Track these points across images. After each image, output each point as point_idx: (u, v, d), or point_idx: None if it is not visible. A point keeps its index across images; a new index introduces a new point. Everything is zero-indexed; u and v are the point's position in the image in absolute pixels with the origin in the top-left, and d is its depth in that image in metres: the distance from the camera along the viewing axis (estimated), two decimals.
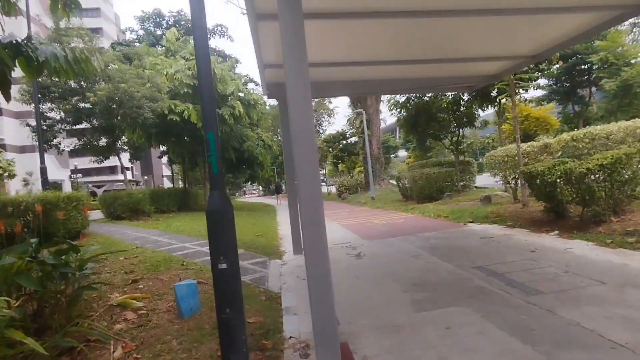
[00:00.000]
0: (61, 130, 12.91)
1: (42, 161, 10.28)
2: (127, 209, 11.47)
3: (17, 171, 28.08)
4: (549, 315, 3.26)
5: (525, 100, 14.31)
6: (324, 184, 51.28)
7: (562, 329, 2.99)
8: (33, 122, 12.18)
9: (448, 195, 13.68)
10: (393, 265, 5.50)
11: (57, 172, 42.07)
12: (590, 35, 5.53)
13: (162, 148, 20.07)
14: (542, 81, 30.80)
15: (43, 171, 10.17)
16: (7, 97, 3.92)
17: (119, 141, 14.84)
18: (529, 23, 5.36)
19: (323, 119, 50.75)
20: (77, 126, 13.12)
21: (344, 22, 4.81)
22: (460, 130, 16.48)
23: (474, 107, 14.21)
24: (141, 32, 24.27)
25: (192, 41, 18.17)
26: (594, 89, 30.23)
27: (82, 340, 3.22)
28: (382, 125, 35.11)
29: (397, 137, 49.00)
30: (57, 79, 12.09)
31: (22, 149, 38.83)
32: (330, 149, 32.04)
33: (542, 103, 31.19)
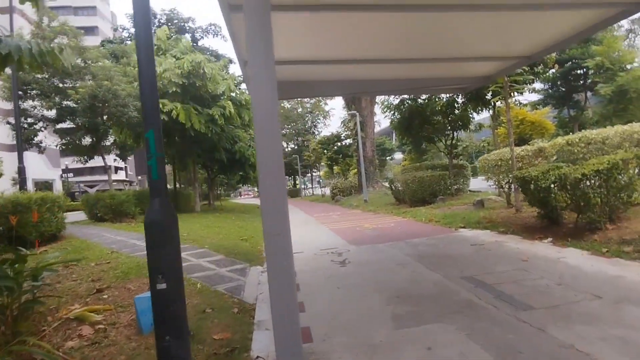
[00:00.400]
0: (42, 129, 12.54)
1: (20, 160, 9.91)
2: (109, 210, 11.10)
3: (6, 170, 27.60)
4: (539, 335, 2.97)
5: (520, 103, 14.08)
6: (317, 186, 51.03)
7: (554, 352, 2.71)
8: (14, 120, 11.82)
9: (441, 199, 13.42)
10: (378, 275, 5.21)
11: (48, 171, 41.43)
12: (586, 35, 5.29)
13: None
14: (538, 85, 30.76)
15: (21, 171, 9.81)
16: None
17: (105, 141, 14.45)
18: (524, 21, 5.11)
19: (319, 121, 50.61)
20: (60, 125, 12.75)
21: (329, 15, 4.53)
22: (455, 133, 16.27)
23: (469, 110, 13.99)
24: (133, 30, 23.69)
25: (183, 40, 17.86)
26: (589, 93, 30.17)
27: None
28: (378, 128, 34.91)
29: (394, 139, 48.87)
30: (38, 76, 11.81)
31: (12, 148, 38.23)
32: (325, 151, 31.75)
33: (538, 107, 31.11)
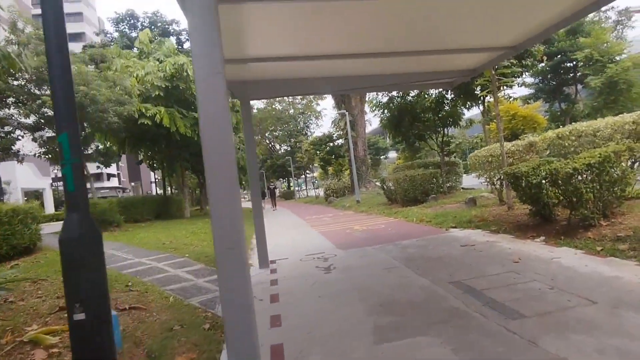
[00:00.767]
0: (20, 137, 12.16)
1: None
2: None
3: None
4: (530, 348, 2.71)
5: (510, 97, 13.89)
6: (312, 187, 50.71)
7: None
8: None
9: (433, 197, 13.19)
10: (363, 281, 4.93)
11: (38, 180, 40.69)
12: (572, 22, 5.05)
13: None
14: (529, 79, 30.70)
15: None
16: None
17: (87, 148, 14.08)
18: (508, 10, 4.86)
19: (311, 122, 50.32)
20: (40, 133, 12.38)
21: (304, 6, 4.25)
22: (446, 130, 16.06)
23: (459, 106, 13.78)
24: (116, 35, 23.40)
25: (167, 43, 17.50)
26: (579, 86, 30.17)
27: None
28: (370, 127, 34.63)
29: (387, 138, 48.68)
30: (14, 83, 11.43)
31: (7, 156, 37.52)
32: (317, 152, 31.46)
33: (529, 102, 31.05)
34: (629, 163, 6.15)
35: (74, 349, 1.77)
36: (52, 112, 11.46)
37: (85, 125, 11.47)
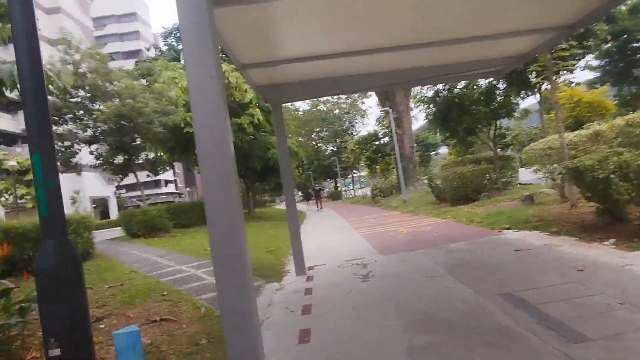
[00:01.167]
0: (78, 151, 13.14)
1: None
2: (142, 226, 11.30)
3: (64, 191, 29.75)
4: None
5: (571, 82, 12.58)
6: (358, 187, 50.10)
7: None
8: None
9: (486, 195, 12.30)
10: (402, 291, 4.57)
11: (103, 188, 44.21)
12: None
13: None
14: (593, 62, 27.91)
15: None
16: None
17: (137, 158, 14.88)
18: None
19: (356, 121, 49.79)
20: (95, 146, 13.30)
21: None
22: (498, 122, 14.94)
23: (512, 96, 12.74)
24: (165, 48, 24.75)
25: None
26: None
27: None
28: (416, 123, 33.42)
29: (438, 133, 46.83)
30: (71, 100, 12.36)
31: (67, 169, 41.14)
32: (363, 151, 30.96)
33: (595, 86, 28.19)
34: None
35: None
36: (105, 127, 12.24)
37: (136, 136, 12.14)
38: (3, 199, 20.36)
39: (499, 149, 23.00)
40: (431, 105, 14.49)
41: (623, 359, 2.41)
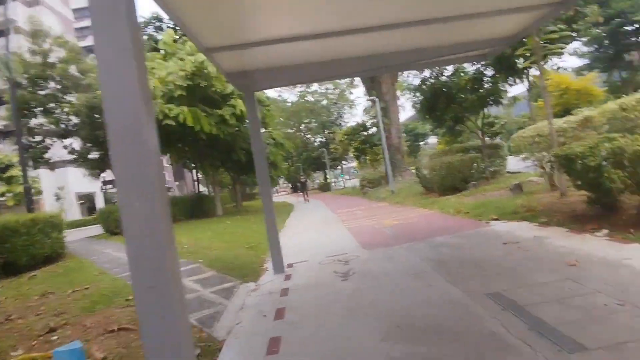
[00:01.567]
0: (49, 146, 12.50)
1: (26, 180, 9.72)
2: (120, 223, 10.75)
3: (47, 187, 28.86)
4: None
5: (559, 68, 12.33)
6: (348, 178, 49.79)
7: None
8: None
9: (474, 185, 12.05)
10: (383, 291, 4.23)
11: (89, 184, 43.14)
12: None
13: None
14: (582, 48, 27.82)
15: (27, 190, 9.62)
16: None
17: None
18: None
19: (344, 111, 49.30)
20: (68, 139, 12.67)
21: None
22: (486, 110, 14.69)
23: (499, 82, 12.45)
24: (144, 38, 23.80)
25: (190, 42, 17.42)
26: None
27: None
28: (403, 112, 33.03)
29: (427, 123, 46.59)
30: (40, 93, 11.72)
31: (50, 165, 40.01)
32: (351, 142, 30.57)
33: (583, 73, 28.12)
34: None
35: None
36: (77, 120, 11.61)
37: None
38: None
39: (487, 138, 22.83)
40: (418, 94, 14.14)
41: None
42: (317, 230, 10.02)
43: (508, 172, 14.81)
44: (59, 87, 10.59)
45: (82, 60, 11.78)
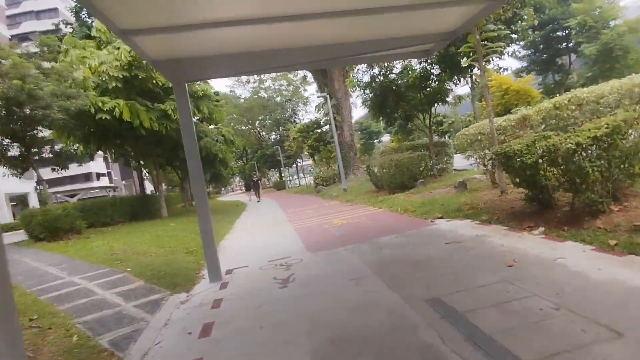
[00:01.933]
0: None
1: None
2: (43, 228, 9.69)
3: None
4: None
5: (500, 68, 12.81)
6: (303, 176, 49.57)
7: None
8: None
9: (422, 182, 12.19)
10: (321, 300, 3.95)
11: (21, 184, 39.42)
12: None
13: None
14: (521, 51, 29.47)
15: None
16: None
17: (40, 149, 12.86)
18: None
19: (299, 108, 48.95)
20: None
21: None
22: (434, 109, 14.99)
23: (445, 81, 12.70)
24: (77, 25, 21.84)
25: None
26: (573, 56, 28.99)
27: None
28: (356, 110, 33.24)
29: (380, 121, 47.33)
30: None
31: None
32: (305, 140, 30.28)
33: (522, 75, 29.85)
34: None
35: None
36: None
37: (19, 124, 10.30)
38: None
39: (437, 136, 23.53)
40: (367, 91, 14.11)
41: None
42: (265, 232, 9.62)
43: (455, 170, 15.23)
44: None
45: None
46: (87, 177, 63.51)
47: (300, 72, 42.02)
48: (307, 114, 75.87)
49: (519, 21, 10.44)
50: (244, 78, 47.45)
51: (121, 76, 12.24)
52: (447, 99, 13.59)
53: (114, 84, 12.16)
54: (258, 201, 24.90)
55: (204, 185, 5.60)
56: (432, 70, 12.80)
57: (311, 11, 4.56)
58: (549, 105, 6.65)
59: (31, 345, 3.55)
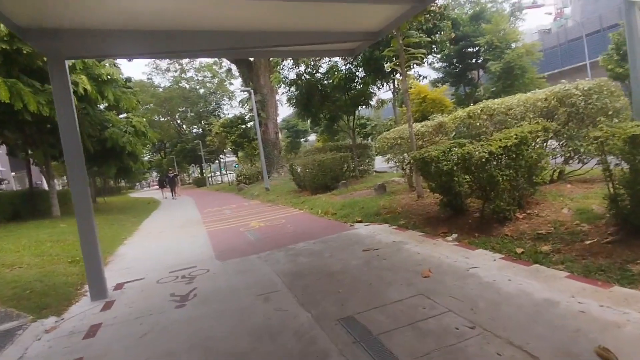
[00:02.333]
0: None
1: None
2: None
3: None
4: None
5: (420, 75, 13.33)
6: (225, 173, 47.66)
7: None
8: None
9: (344, 183, 12.15)
10: (222, 323, 3.40)
11: None
12: None
13: None
14: (437, 63, 31.59)
15: None
16: None
17: None
18: None
19: (223, 102, 46.91)
20: None
21: None
22: (358, 111, 15.14)
23: (369, 84, 12.82)
24: None
25: None
26: (482, 71, 31.89)
27: None
28: (282, 108, 32.69)
29: (307, 119, 47.31)
30: None
31: None
32: (229, 135, 28.93)
33: (438, 85, 32.04)
34: (543, 145, 5.48)
35: None
36: None
37: None
38: None
39: (360, 138, 24.02)
40: (293, 89, 13.72)
41: None
42: (173, 235, 8.67)
43: (375, 172, 15.55)
44: None
45: None
46: None
47: (225, 64, 40.23)
48: (232, 109, 73.39)
49: (439, 32, 10.90)
50: (163, 66, 44.09)
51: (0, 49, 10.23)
52: (371, 102, 13.77)
53: None
54: (174, 198, 23.15)
55: (87, 184, 4.66)
56: (357, 73, 12.84)
57: None
58: (463, 113, 6.87)
59: None
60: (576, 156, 5.87)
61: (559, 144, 6.04)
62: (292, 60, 13.95)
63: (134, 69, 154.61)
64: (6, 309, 4.13)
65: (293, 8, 4.68)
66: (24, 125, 13.03)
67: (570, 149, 5.66)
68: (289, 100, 14.38)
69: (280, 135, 26.40)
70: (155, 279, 5.08)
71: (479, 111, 6.46)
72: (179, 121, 51.87)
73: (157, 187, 29.99)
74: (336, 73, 12.68)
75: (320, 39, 5.68)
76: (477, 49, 29.99)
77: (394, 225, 6.17)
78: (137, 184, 73.49)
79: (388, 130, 12.20)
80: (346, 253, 5.01)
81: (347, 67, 12.83)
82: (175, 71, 44.92)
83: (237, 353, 2.78)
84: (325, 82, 13.46)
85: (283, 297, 3.75)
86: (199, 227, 9.36)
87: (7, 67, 10.95)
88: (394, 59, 8.64)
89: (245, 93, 21.34)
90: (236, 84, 45.74)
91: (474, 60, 31.49)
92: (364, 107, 14.13)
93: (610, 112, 5.42)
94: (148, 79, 45.80)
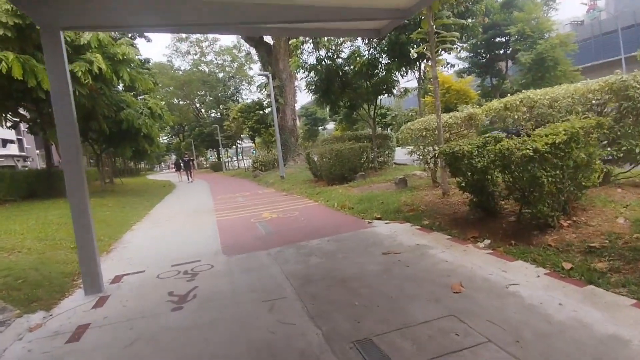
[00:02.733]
0: None
1: None
2: None
3: None
4: None
5: (448, 64, 12.52)
6: (242, 159, 47.54)
7: None
8: None
9: (362, 175, 11.59)
10: (220, 333, 2.98)
11: None
12: None
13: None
14: (463, 53, 30.28)
15: None
16: None
17: None
18: None
19: (242, 87, 46.55)
20: None
21: None
22: (379, 99, 14.45)
23: (393, 71, 12.10)
24: None
25: None
26: (510, 62, 30.44)
27: None
28: (300, 94, 32.07)
29: (325, 107, 46.54)
30: None
31: None
32: (246, 120, 28.59)
33: (463, 75, 30.77)
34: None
35: None
36: None
37: None
38: None
39: (379, 128, 23.32)
40: (312, 74, 13.12)
41: None
42: (182, 223, 8.35)
43: (395, 164, 14.91)
44: None
45: None
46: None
47: (244, 48, 39.73)
48: (251, 94, 73.00)
49: (471, 16, 10.09)
50: (183, 48, 43.92)
51: (12, 23, 9.98)
52: (394, 90, 13.05)
53: (1, 32, 9.87)
54: (190, 182, 23.11)
55: (83, 169, 4.29)
56: (380, 59, 12.13)
57: None
58: (499, 105, 6.19)
59: None
60: (627, 157, 5.16)
61: (607, 142, 5.34)
62: (312, 44, 13.33)
63: (154, 50, 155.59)
64: None
65: None
66: (39, 103, 12.92)
67: (624, 148, 4.96)
68: (307, 85, 13.80)
69: (297, 122, 25.90)
70: (156, 272, 4.72)
71: (518, 102, 5.78)
72: (197, 105, 51.89)
73: (174, 169, 30.09)
74: (358, 58, 11.99)
75: (343, 16, 5.08)
76: (507, 38, 28.59)
77: (417, 225, 5.63)
78: (157, 166, 74.52)
79: (409, 121, 11.58)
80: (364, 255, 4.52)
81: (370, 52, 12.13)
82: (195, 54, 44.73)
83: None
84: (347, 67, 12.82)
85: (290, 306, 3.30)
86: (210, 216, 9.01)
87: (20, 43, 10.73)
88: (422, 44, 7.97)
89: (264, 78, 20.82)
90: (255, 68, 45.16)
91: (502, 51, 30.09)
92: (386, 95, 13.43)
93: None
94: (168, 61, 45.77)
